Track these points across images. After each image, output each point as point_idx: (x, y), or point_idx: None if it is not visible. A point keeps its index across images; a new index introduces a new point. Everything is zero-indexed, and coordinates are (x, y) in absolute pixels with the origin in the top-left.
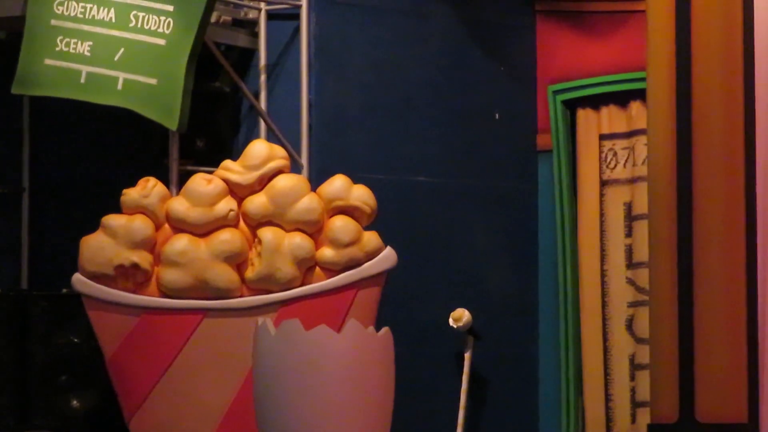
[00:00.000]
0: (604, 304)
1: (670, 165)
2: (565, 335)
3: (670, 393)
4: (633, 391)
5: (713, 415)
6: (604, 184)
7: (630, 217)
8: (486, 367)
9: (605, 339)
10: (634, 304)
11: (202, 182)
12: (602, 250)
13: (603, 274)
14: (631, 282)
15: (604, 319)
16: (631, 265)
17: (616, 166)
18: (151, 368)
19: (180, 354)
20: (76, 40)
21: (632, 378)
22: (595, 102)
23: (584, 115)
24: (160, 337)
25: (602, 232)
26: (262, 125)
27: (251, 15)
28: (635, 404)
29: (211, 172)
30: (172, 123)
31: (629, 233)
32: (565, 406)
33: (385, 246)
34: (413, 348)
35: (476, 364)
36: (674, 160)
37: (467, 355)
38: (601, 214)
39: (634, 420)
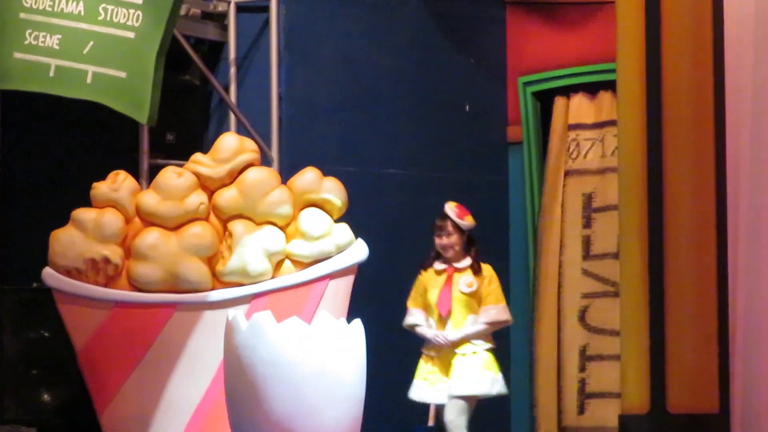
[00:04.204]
0: (559, 296)
1: (640, 156)
2: (535, 327)
3: (641, 384)
4: (582, 382)
5: (684, 405)
6: (566, 174)
7: (589, 208)
8: None
9: (559, 330)
10: (588, 296)
11: (172, 175)
12: (561, 241)
13: (560, 264)
14: (587, 273)
15: (559, 311)
16: (588, 256)
17: (577, 156)
18: (123, 362)
19: (151, 348)
20: (45, 34)
21: (582, 369)
22: (567, 92)
23: (559, 105)
24: (131, 330)
25: (562, 222)
26: (232, 118)
27: (220, 8)
28: (584, 395)
29: (181, 166)
30: (141, 116)
31: (587, 224)
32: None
33: (356, 238)
34: (384, 340)
35: None
36: (644, 151)
37: None
38: (562, 205)
39: (582, 411)
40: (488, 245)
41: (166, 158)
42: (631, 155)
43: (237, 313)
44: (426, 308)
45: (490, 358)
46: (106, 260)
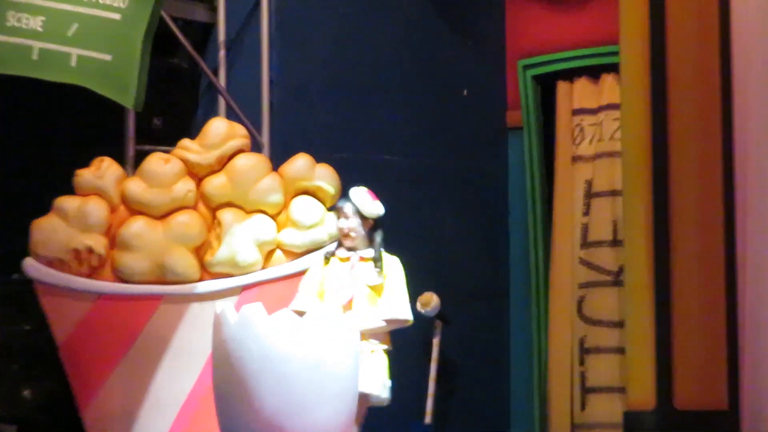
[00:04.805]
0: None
1: (644, 141)
2: (537, 320)
3: (647, 379)
4: (583, 376)
5: (692, 401)
6: (572, 161)
7: (589, 195)
8: (455, 353)
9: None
10: (585, 285)
11: (159, 162)
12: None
13: (564, 255)
14: (584, 262)
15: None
16: (585, 244)
17: (581, 142)
18: (106, 356)
19: (136, 341)
20: (27, 15)
21: (581, 362)
22: (569, 76)
23: (562, 90)
24: (115, 323)
25: (570, 211)
26: (222, 103)
27: None
28: (585, 390)
29: (168, 152)
30: (128, 101)
31: (587, 212)
32: (537, 395)
33: None
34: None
35: (445, 351)
36: (649, 135)
37: (435, 341)
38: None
39: (583, 407)
40: (486, 235)
41: (152, 144)
42: (635, 140)
43: (226, 305)
44: (321, 296)
45: (385, 361)
46: (90, 250)
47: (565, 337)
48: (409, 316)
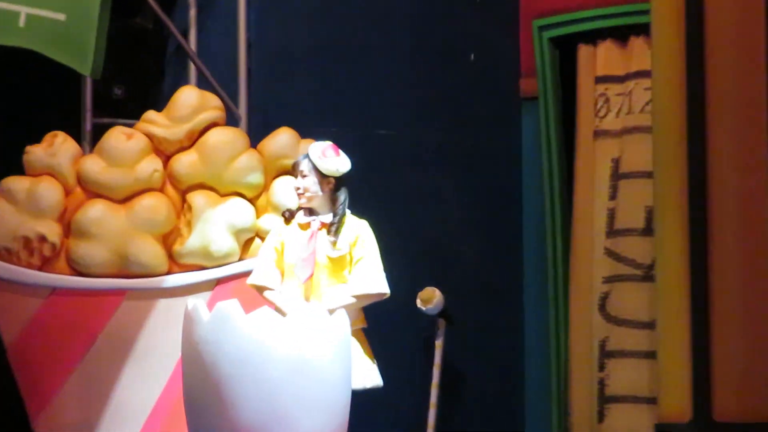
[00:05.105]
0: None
1: (678, 113)
2: (554, 319)
3: (682, 388)
4: (602, 383)
5: (732, 413)
6: (594, 136)
7: (616, 176)
8: (461, 356)
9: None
10: (610, 279)
11: (120, 137)
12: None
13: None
14: (610, 253)
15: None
16: (611, 232)
17: (606, 114)
18: (61, 359)
19: (95, 342)
20: None
21: (601, 368)
22: (592, 38)
23: (584, 54)
24: (71, 322)
25: (592, 194)
26: (192, 69)
27: None
28: (604, 399)
29: (131, 126)
30: (84, 67)
31: (614, 195)
32: (555, 403)
33: None
34: (374, 333)
35: (449, 353)
36: (683, 106)
37: (438, 343)
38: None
39: (601, 419)
40: (497, 221)
41: (112, 117)
42: (668, 112)
43: (198, 301)
44: (282, 269)
45: (363, 342)
46: (42, 238)
47: (588, 339)
48: (384, 289)
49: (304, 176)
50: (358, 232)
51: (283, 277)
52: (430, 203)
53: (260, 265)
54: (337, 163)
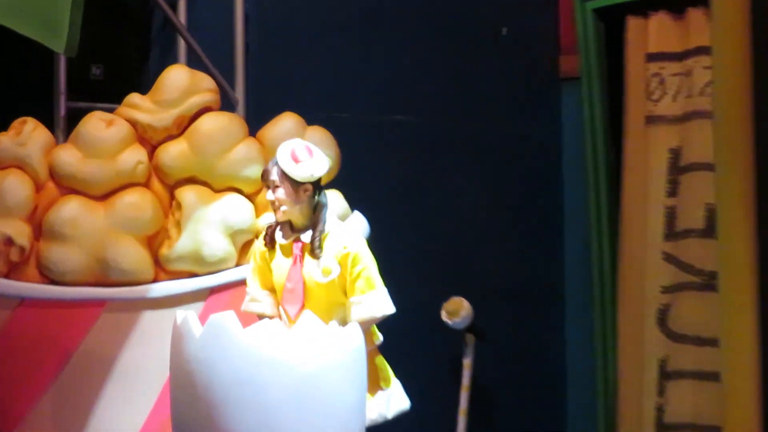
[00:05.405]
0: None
1: (742, 95)
2: (601, 335)
3: (750, 412)
4: (660, 409)
5: None
6: (646, 122)
7: (676, 169)
8: (492, 377)
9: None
10: (671, 289)
11: (99, 124)
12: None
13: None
14: (670, 258)
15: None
16: (671, 234)
17: (662, 97)
18: (32, 378)
19: (70, 360)
20: None
21: (661, 392)
22: (642, 10)
23: (633, 27)
24: (43, 336)
25: (645, 189)
26: (182, 46)
27: None
28: (662, 427)
29: (111, 111)
30: (57, 44)
31: (673, 192)
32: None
33: (352, 210)
34: (391, 349)
35: (479, 374)
36: (749, 87)
37: (466, 362)
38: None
39: None
40: (533, 220)
41: (90, 101)
42: (730, 94)
43: (188, 314)
44: (272, 286)
45: (375, 365)
46: (8, 241)
47: (640, 357)
48: (387, 310)
49: (276, 187)
50: (346, 244)
51: (279, 295)
52: (456, 200)
53: (252, 290)
54: (311, 166)
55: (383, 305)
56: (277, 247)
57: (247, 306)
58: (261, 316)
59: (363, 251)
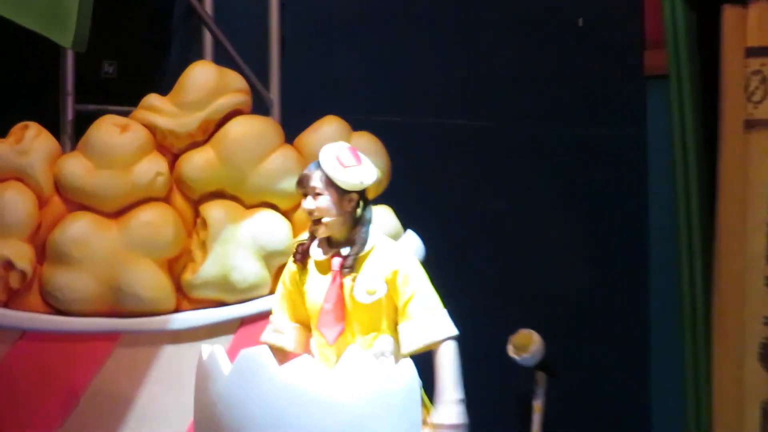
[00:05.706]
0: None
1: None
2: (692, 373)
3: None
4: None
5: None
6: (746, 126)
7: None
8: (567, 421)
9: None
10: None
11: (112, 130)
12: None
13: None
14: None
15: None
16: None
17: (764, 99)
18: (36, 420)
19: (79, 402)
20: None
21: None
22: None
23: (730, 18)
24: (48, 374)
25: (745, 203)
26: (208, 39)
27: None
28: None
29: (126, 114)
30: (64, 37)
31: None
32: None
33: (404, 229)
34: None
35: (551, 416)
36: None
37: (537, 405)
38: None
39: None
40: (614, 237)
41: (101, 103)
42: None
43: (215, 348)
44: (301, 318)
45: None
46: (8, 264)
47: (739, 399)
48: (451, 332)
49: (317, 195)
50: (396, 264)
51: (305, 329)
52: (525, 218)
53: (275, 319)
54: (361, 172)
55: (444, 328)
56: (311, 265)
57: (267, 337)
58: (279, 351)
59: (415, 270)
